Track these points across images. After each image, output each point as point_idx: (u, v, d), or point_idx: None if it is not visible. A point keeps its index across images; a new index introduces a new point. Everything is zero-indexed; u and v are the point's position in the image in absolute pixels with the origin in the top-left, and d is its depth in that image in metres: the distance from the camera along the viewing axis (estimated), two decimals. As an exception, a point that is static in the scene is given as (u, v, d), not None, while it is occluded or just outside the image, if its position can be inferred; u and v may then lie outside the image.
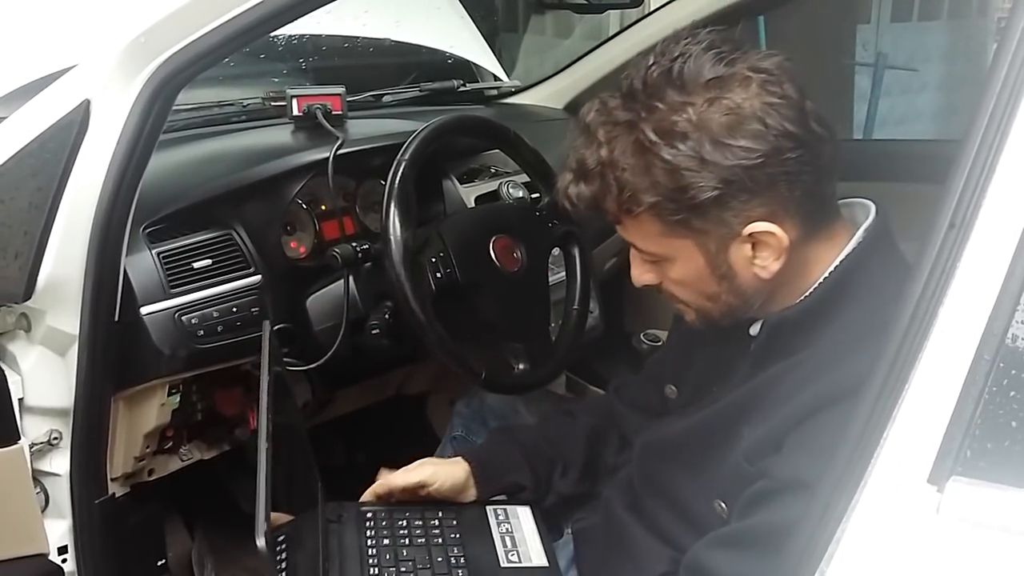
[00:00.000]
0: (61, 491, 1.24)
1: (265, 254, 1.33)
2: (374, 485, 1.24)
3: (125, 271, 1.18)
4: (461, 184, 1.63)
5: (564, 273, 1.51)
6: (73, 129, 1.10)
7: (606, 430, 1.26)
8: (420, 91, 1.96)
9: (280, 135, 1.53)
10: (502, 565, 1.14)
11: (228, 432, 1.46)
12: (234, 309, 1.27)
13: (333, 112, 1.51)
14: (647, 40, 2.05)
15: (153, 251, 1.23)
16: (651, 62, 0.88)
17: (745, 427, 0.93)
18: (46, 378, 1.20)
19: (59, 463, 1.23)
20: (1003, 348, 0.60)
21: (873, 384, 0.66)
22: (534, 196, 1.62)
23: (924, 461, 0.62)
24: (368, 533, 1.16)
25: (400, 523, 1.18)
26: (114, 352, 1.19)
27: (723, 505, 0.94)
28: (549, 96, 2.20)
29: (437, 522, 1.18)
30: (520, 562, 1.15)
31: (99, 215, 1.12)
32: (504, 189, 1.63)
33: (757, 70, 0.86)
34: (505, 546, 1.17)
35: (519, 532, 1.20)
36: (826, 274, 0.92)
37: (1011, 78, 0.63)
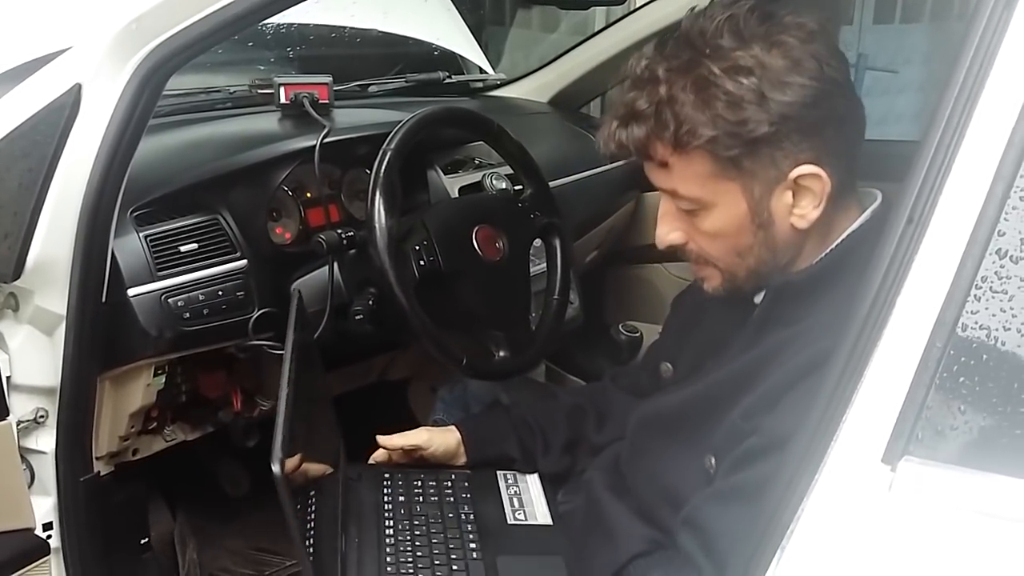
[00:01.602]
0: (46, 468, 1.25)
1: (251, 239, 1.35)
2: (377, 451, 1.32)
3: (113, 253, 1.20)
4: (445, 175, 1.65)
5: (545, 264, 1.54)
6: (64, 112, 1.12)
7: (585, 409, 1.31)
8: (406, 82, 1.98)
9: (267, 122, 1.55)
10: (509, 522, 1.21)
11: (212, 414, 1.49)
12: (220, 292, 1.29)
13: (320, 101, 1.53)
14: (632, 36, 2.08)
15: (140, 234, 1.25)
16: (702, 19, 0.93)
17: (742, 397, 0.95)
18: (33, 357, 1.22)
19: (45, 441, 1.25)
20: (954, 337, 0.64)
21: (834, 369, 0.69)
22: (517, 188, 1.65)
23: (879, 442, 0.65)
24: (385, 491, 1.24)
25: (415, 483, 1.26)
26: (101, 332, 1.21)
27: (713, 460, 0.96)
28: (534, 90, 2.23)
29: (450, 483, 1.26)
30: (526, 520, 1.22)
31: (88, 197, 1.14)
32: (487, 180, 1.66)
33: (807, 24, 0.92)
34: (512, 506, 1.24)
35: (526, 494, 1.27)
36: (835, 244, 0.97)
37: (968, 81, 0.67)
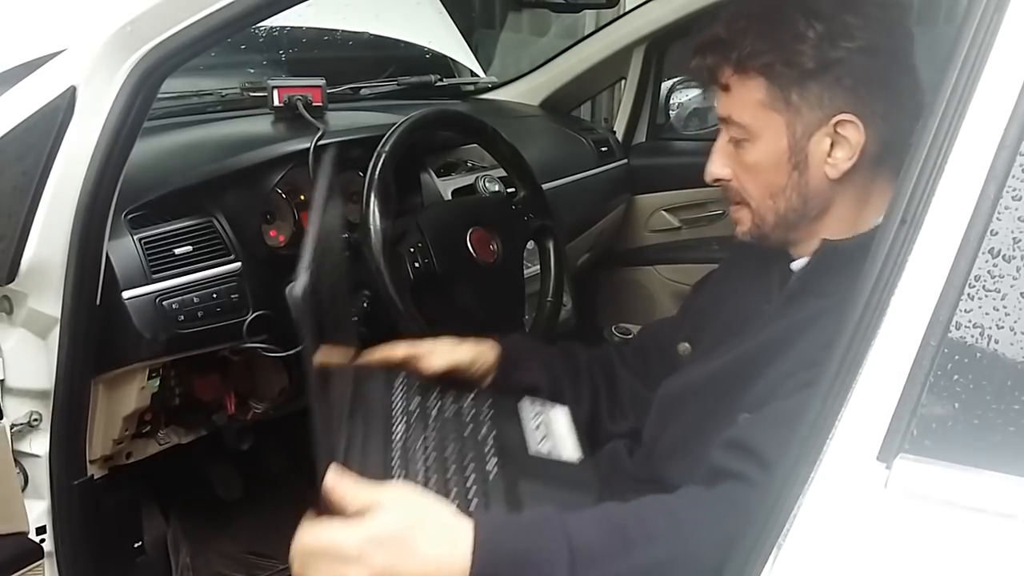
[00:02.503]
0: (40, 472, 1.25)
1: (245, 242, 1.35)
2: (386, 350, 1.17)
3: (107, 256, 1.20)
4: (438, 177, 1.66)
5: (539, 266, 1.55)
6: (58, 115, 1.12)
7: (600, 389, 1.25)
8: (398, 85, 1.99)
9: (261, 125, 1.55)
10: (530, 451, 1.08)
11: (206, 417, 1.48)
12: (214, 295, 1.29)
13: (313, 103, 1.54)
14: (622, 40, 2.10)
15: (135, 236, 1.25)
16: None
17: (776, 362, 0.95)
18: (27, 360, 1.21)
19: (38, 444, 1.24)
20: (947, 335, 0.65)
21: (830, 367, 0.70)
22: (510, 190, 1.65)
23: (874, 439, 0.66)
24: (398, 393, 1.13)
25: (433, 392, 1.14)
26: (95, 335, 1.21)
27: (748, 416, 0.96)
28: (525, 93, 2.24)
29: (471, 400, 1.14)
30: (550, 453, 1.08)
31: (83, 200, 1.14)
32: (481, 183, 1.67)
33: None
34: (536, 435, 1.11)
35: (553, 426, 1.14)
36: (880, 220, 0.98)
37: (961, 82, 0.67)
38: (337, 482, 0.77)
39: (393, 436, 1.02)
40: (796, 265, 1.06)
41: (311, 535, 0.77)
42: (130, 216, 1.27)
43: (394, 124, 1.36)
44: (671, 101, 2.27)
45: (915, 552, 0.66)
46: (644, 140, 2.27)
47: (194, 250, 1.30)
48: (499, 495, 0.94)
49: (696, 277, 2.19)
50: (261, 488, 1.89)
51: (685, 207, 2.19)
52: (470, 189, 1.67)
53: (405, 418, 1.07)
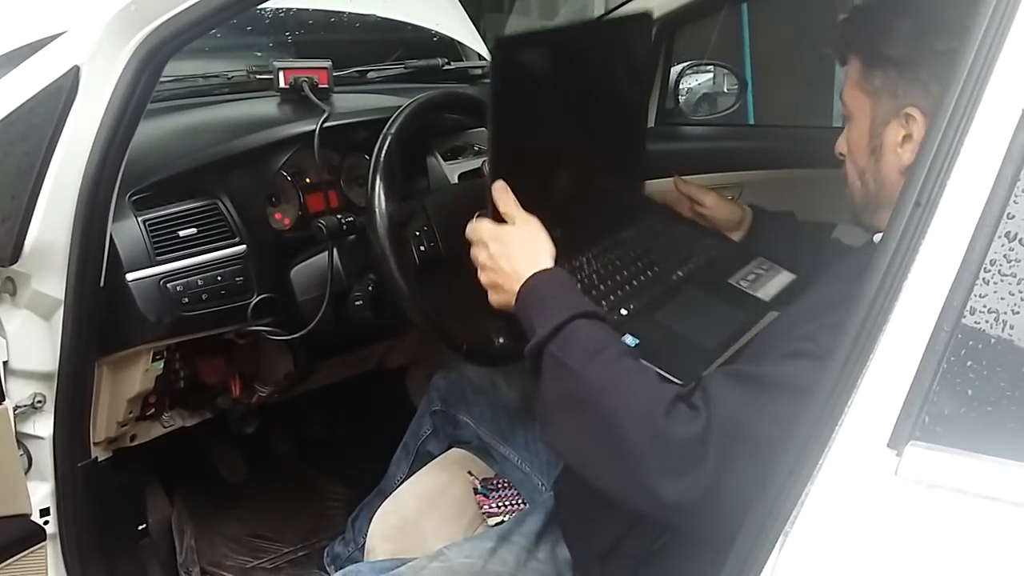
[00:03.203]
0: (44, 454, 1.25)
1: (250, 224, 1.35)
2: (667, 191, 1.40)
3: (111, 237, 1.19)
4: (445, 161, 1.65)
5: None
6: (62, 95, 1.11)
7: None
8: (405, 68, 1.97)
9: (267, 107, 1.54)
10: (728, 281, 1.21)
11: (210, 400, 1.48)
12: (219, 278, 1.29)
13: (320, 85, 1.52)
14: (632, 23, 2.07)
15: (139, 218, 1.24)
16: None
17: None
18: (31, 342, 1.21)
19: (42, 426, 1.24)
20: (961, 320, 0.64)
21: (840, 351, 0.69)
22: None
23: (885, 426, 0.65)
24: (646, 223, 1.31)
25: (683, 226, 1.32)
26: (99, 317, 1.20)
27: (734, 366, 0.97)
28: (533, 77, 2.21)
29: (708, 243, 1.29)
30: (745, 288, 1.20)
31: (86, 181, 1.13)
32: (487, 168, 1.65)
33: None
34: (745, 276, 1.23)
35: (768, 276, 1.24)
36: None
37: (977, 65, 0.66)
38: (499, 192, 1.07)
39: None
40: (877, 237, 1.06)
41: (475, 224, 1.09)
42: (134, 198, 1.26)
43: (400, 107, 1.35)
44: (680, 86, 2.24)
45: (925, 541, 0.65)
46: (653, 125, 2.24)
47: (199, 232, 1.29)
48: (653, 296, 1.15)
49: None
50: (266, 471, 1.90)
51: (695, 193, 2.16)
52: (477, 173, 1.66)
53: (626, 232, 1.27)
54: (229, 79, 1.68)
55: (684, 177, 1.43)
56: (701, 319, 1.15)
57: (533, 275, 1.01)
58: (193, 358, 1.42)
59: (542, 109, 1.20)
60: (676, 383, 0.95)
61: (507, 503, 1.42)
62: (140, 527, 1.53)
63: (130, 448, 1.42)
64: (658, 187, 1.42)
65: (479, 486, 1.41)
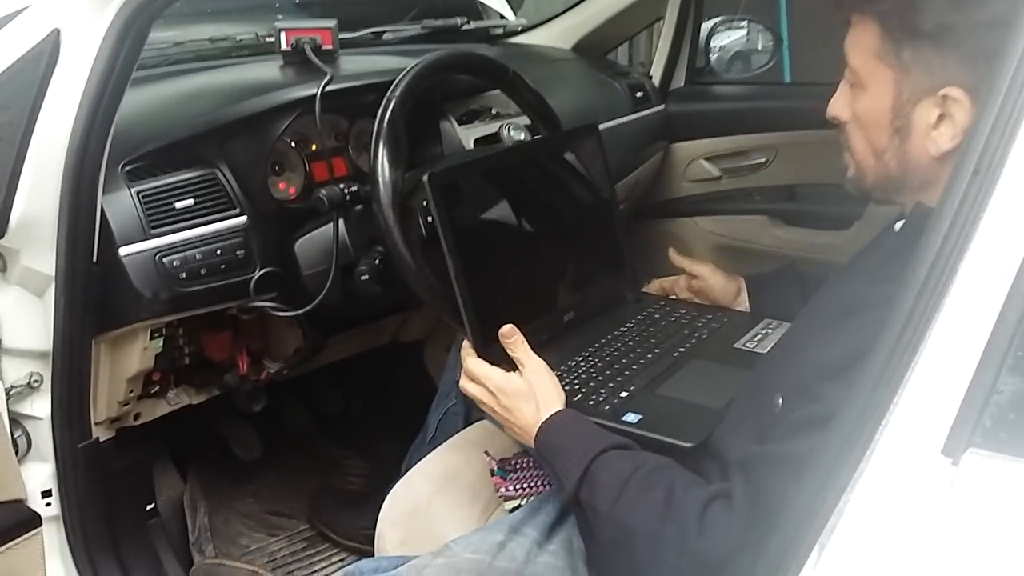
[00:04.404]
0: (43, 434, 1.21)
1: (251, 195, 1.27)
2: (659, 280, 1.44)
3: (103, 210, 1.13)
4: (460, 125, 1.56)
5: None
6: (43, 60, 1.05)
7: None
8: (422, 28, 1.88)
9: (268, 70, 1.46)
10: (733, 345, 1.20)
11: (217, 377, 1.43)
12: (218, 251, 1.22)
13: (324, 47, 1.43)
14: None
15: (132, 190, 1.18)
16: None
17: (824, 342, 0.88)
18: (24, 320, 1.17)
19: (40, 406, 1.20)
20: (1030, 308, 0.55)
21: (884, 343, 0.60)
22: (536, 138, 1.55)
23: (938, 430, 0.56)
24: (649, 310, 1.33)
25: (681, 310, 1.32)
26: (93, 294, 1.15)
27: (780, 401, 0.91)
28: (557, 35, 2.11)
29: (712, 316, 1.29)
30: (751, 348, 1.19)
31: (72, 151, 1.07)
32: (505, 132, 1.56)
33: None
34: (752, 338, 1.22)
35: (776, 333, 1.22)
36: None
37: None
38: (509, 337, 1.06)
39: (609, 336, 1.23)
40: (898, 225, 0.99)
41: (474, 364, 1.07)
42: (127, 168, 1.19)
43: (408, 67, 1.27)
44: (711, 44, 2.13)
45: (985, 563, 0.56)
46: (683, 85, 2.14)
47: (196, 204, 1.22)
48: (656, 374, 1.13)
49: (737, 229, 2.13)
50: (281, 447, 1.85)
51: (726, 155, 2.06)
52: (494, 138, 1.57)
53: (636, 323, 1.28)
54: (238, 42, 1.60)
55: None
56: (705, 384, 1.12)
57: (544, 424, 1.01)
58: (197, 334, 1.36)
59: (501, 231, 1.21)
60: (683, 446, 0.99)
61: (526, 484, 1.35)
62: (148, 507, 1.49)
63: (135, 427, 1.37)
64: (654, 286, 1.45)
65: (496, 467, 1.34)
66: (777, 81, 2.87)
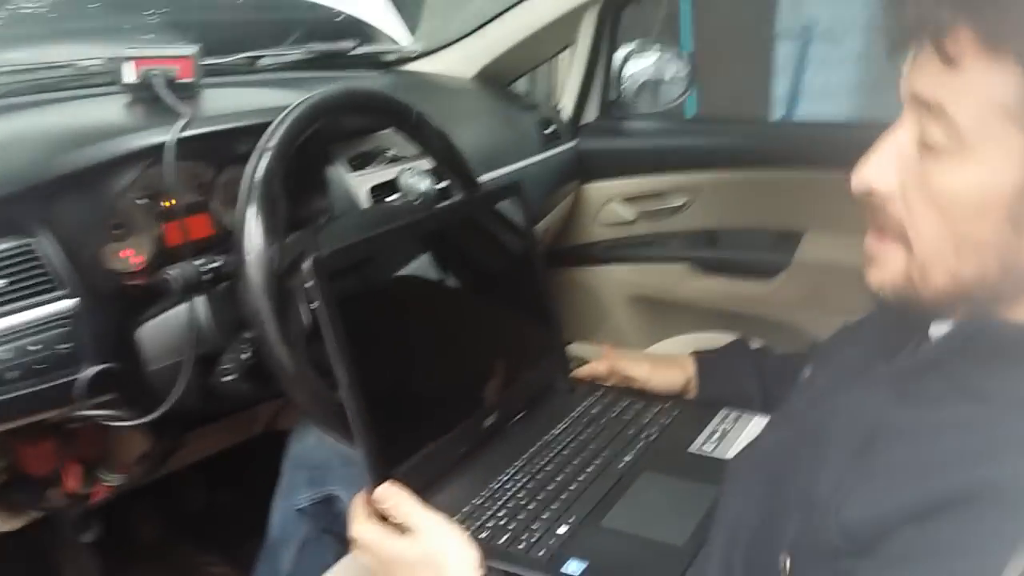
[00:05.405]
0: None
1: (83, 269, 0.99)
2: (592, 364, 1.23)
3: None
4: (351, 172, 1.32)
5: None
6: None
7: None
8: (305, 54, 1.64)
9: (110, 109, 1.17)
10: (688, 450, 1.05)
11: (38, 497, 1.13)
12: (34, 346, 0.94)
13: (179, 80, 1.16)
14: (575, -1, 1.79)
15: (-85, 270, 0.89)
16: None
17: (847, 481, 0.67)
18: None
19: None
20: None
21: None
22: (440, 187, 1.33)
23: None
24: (587, 401, 1.15)
25: (624, 402, 1.15)
26: None
27: (788, 563, 0.69)
28: (457, 62, 1.90)
29: (660, 409, 1.13)
30: (709, 453, 1.04)
31: None
32: (404, 179, 1.32)
33: None
34: (709, 438, 1.07)
35: (736, 431, 1.08)
36: None
37: None
38: (390, 499, 0.85)
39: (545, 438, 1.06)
40: (936, 331, 0.73)
41: (360, 530, 0.86)
42: (-91, 241, 0.90)
43: (289, 106, 1.03)
44: (623, 73, 1.95)
45: None
46: (595, 119, 1.96)
47: (8, 285, 0.94)
48: (604, 492, 0.95)
49: (654, 277, 1.97)
50: (131, 560, 1.55)
51: (642, 197, 1.91)
52: (392, 186, 1.34)
53: (573, 419, 1.10)
54: (77, 72, 1.31)
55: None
56: (660, 510, 0.92)
57: None
58: (11, 445, 1.07)
59: (406, 321, 1.01)
60: None
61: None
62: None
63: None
64: (587, 370, 1.24)
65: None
66: (705, 117, 2.76)
